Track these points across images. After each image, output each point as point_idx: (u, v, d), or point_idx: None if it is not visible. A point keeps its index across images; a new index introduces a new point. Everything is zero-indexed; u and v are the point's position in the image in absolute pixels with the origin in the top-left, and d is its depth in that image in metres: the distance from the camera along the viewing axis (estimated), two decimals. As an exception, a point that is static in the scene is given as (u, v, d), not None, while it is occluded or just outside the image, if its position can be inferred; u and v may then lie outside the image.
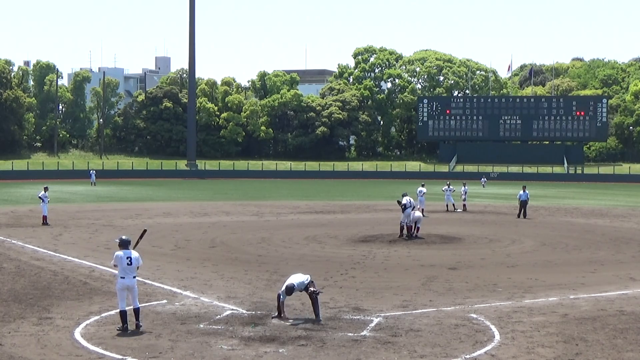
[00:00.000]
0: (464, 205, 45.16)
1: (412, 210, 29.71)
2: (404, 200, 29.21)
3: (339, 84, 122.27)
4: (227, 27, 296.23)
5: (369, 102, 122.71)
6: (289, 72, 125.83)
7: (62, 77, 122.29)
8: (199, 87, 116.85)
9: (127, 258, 14.65)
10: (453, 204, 44.53)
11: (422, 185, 42.40)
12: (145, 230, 16.32)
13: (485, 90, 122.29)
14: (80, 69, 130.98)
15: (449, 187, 44.88)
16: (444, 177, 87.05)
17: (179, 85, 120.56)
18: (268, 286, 19.25)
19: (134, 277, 14.72)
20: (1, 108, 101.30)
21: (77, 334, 14.19)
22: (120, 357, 12.71)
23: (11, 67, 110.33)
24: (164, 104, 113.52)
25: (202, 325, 14.88)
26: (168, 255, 24.98)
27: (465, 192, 45.52)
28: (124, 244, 14.83)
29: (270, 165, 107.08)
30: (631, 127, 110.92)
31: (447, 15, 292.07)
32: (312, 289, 15.41)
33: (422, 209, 40.30)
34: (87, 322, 15.18)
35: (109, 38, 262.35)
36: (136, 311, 14.67)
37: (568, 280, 20.51)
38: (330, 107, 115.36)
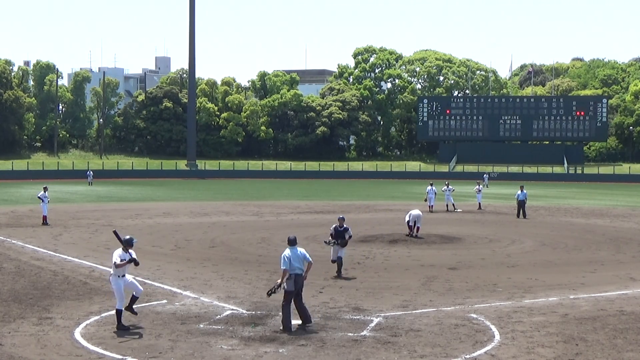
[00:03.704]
0: (479, 204, 46.12)
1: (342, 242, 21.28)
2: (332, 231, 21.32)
3: (339, 84, 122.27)
4: (227, 27, 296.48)
5: (369, 102, 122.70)
6: (289, 72, 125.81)
7: (62, 77, 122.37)
8: (199, 87, 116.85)
9: (119, 257, 14.88)
10: (453, 204, 44.61)
11: (431, 185, 44.74)
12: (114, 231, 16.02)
13: (485, 90, 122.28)
14: (80, 69, 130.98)
15: (447, 187, 45.06)
16: (444, 177, 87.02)
17: (179, 85, 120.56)
18: (268, 286, 19.21)
19: (123, 275, 14.87)
20: (1, 108, 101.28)
21: (77, 334, 14.20)
22: (120, 357, 12.72)
23: (11, 67, 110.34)
24: (164, 104, 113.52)
25: (202, 325, 14.89)
26: (168, 255, 24.99)
27: (480, 191, 46.50)
28: (126, 243, 15.00)
29: (270, 165, 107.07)
30: (631, 127, 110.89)
31: (447, 15, 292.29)
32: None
33: (431, 206, 43.20)
34: (87, 322, 15.18)
35: (109, 38, 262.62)
36: (132, 299, 15.02)
37: (568, 280, 20.51)
38: (330, 107, 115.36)
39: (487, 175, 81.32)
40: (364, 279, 20.65)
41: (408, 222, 29.88)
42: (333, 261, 20.98)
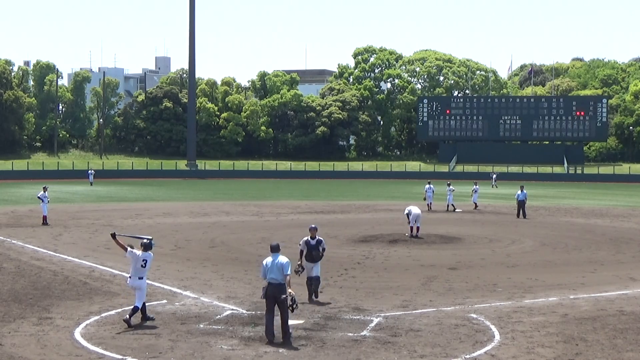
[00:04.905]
0: (476, 204, 46.06)
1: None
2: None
3: (339, 84, 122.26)
4: (227, 27, 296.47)
5: (368, 102, 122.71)
6: (289, 72, 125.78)
7: (62, 77, 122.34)
8: (199, 87, 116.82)
9: (143, 260, 15.18)
10: (452, 204, 44.62)
11: (429, 183, 45.70)
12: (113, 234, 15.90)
13: (485, 90, 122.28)
14: (80, 69, 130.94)
15: (449, 187, 45.18)
16: (444, 177, 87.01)
17: (179, 85, 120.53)
18: (268, 286, 19.24)
19: (139, 277, 15.15)
20: (1, 108, 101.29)
21: (77, 334, 14.20)
22: (120, 357, 12.72)
23: (11, 67, 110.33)
24: (164, 104, 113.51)
25: (202, 325, 14.89)
26: (168, 255, 24.96)
27: (476, 191, 46.30)
28: (146, 247, 15.35)
29: (270, 165, 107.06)
30: (631, 127, 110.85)
31: (447, 15, 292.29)
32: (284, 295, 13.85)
33: (430, 204, 43.89)
34: (87, 322, 15.18)
35: (109, 38, 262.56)
36: (133, 309, 14.95)
37: (568, 280, 20.51)
38: (330, 107, 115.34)
39: (495, 175, 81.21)
40: (364, 279, 20.65)
41: (407, 214, 29.83)
42: (310, 279, 17.32)
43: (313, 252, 17.22)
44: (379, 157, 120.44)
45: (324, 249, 17.51)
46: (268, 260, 14.10)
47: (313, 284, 17.16)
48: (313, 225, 17.70)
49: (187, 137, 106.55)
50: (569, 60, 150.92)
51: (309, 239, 17.28)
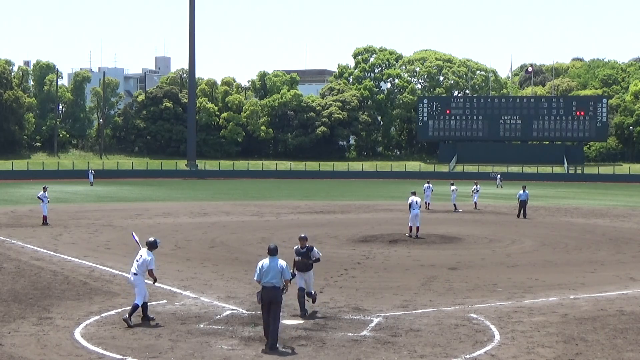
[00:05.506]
0: (475, 204, 46.15)
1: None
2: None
3: (339, 84, 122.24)
4: (227, 27, 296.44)
5: (368, 102, 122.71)
6: (289, 72, 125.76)
7: (62, 77, 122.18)
8: (199, 87, 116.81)
9: (139, 255, 15.31)
10: (454, 204, 44.64)
11: (428, 182, 45.98)
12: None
13: (485, 90, 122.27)
14: (80, 69, 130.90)
15: (452, 186, 45.32)
16: (444, 177, 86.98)
17: (179, 85, 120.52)
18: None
19: (134, 273, 15.23)
20: (1, 108, 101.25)
21: (77, 334, 14.20)
22: (120, 357, 12.72)
23: (11, 67, 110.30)
24: (164, 104, 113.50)
25: (202, 325, 14.89)
26: (168, 255, 24.94)
27: (477, 191, 46.28)
28: (150, 246, 15.47)
29: (270, 165, 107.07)
30: (631, 127, 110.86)
31: (447, 15, 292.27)
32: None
33: (428, 203, 43.94)
34: (87, 322, 15.18)
35: (109, 38, 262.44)
36: (132, 307, 15.05)
37: (568, 280, 20.51)
38: (330, 107, 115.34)
39: (500, 175, 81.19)
40: (364, 279, 20.65)
41: (410, 204, 29.99)
42: (301, 290, 15.98)
43: (301, 260, 16.10)
44: (379, 157, 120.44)
45: (317, 259, 16.22)
46: (265, 262, 13.73)
47: (305, 296, 16.07)
48: (303, 235, 16.52)
49: (187, 137, 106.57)
50: (569, 60, 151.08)
51: (299, 247, 16.25)
